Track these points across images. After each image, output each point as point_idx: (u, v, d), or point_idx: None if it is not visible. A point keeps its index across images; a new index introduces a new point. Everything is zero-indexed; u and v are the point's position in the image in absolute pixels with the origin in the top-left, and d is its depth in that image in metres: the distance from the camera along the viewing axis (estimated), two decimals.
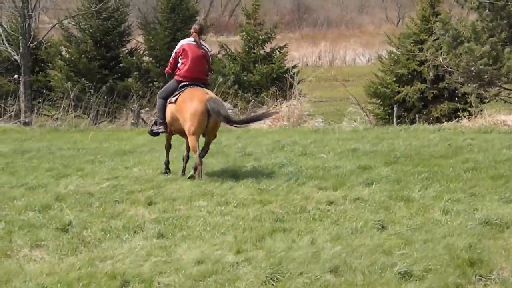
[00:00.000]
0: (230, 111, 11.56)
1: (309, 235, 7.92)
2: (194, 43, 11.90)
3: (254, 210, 9.14)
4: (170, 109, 11.71)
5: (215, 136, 11.86)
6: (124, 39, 25.50)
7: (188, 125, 11.25)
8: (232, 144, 15.34)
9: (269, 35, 24.01)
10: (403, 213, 8.76)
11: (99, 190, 10.61)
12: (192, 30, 12.17)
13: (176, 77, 11.92)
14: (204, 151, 11.54)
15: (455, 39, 19.58)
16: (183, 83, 11.75)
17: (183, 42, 12.05)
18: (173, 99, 11.64)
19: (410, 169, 11.41)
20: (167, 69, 12.25)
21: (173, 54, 12.02)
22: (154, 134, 12.40)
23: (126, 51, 25.31)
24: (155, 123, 12.28)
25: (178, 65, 11.92)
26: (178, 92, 11.68)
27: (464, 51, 19.05)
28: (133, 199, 9.96)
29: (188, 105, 11.30)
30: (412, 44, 22.50)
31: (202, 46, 11.97)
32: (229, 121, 11.44)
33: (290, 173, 11.41)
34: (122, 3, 25.70)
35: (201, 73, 11.93)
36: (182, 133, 11.70)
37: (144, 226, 8.58)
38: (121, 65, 24.57)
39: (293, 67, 24.31)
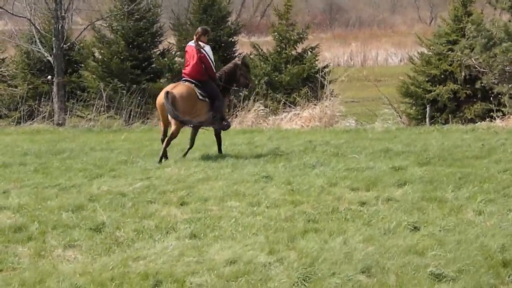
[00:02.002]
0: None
1: (341, 235, 7.90)
2: (194, 45, 13.60)
3: (286, 210, 9.13)
4: None
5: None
6: (156, 40, 25.58)
7: None
8: (264, 144, 15.34)
9: (301, 36, 23.96)
10: (436, 214, 8.71)
11: (131, 190, 10.65)
12: (195, 33, 13.84)
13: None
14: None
15: (489, 41, 19.44)
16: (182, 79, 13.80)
17: (188, 44, 13.99)
18: None
19: (443, 170, 11.33)
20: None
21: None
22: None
23: (158, 52, 25.39)
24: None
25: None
26: None
27: (501, 51, 18.90)
28: (166, 199, 9.99)
29: None
30: (444, 45, 22.35)
31: (200, 49, 13.48)
32: (172, 116, 13.02)
33: (322, 174, 11.38)
34: (154, 4, 25.78)
35: (196, 72, 13.57)
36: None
37: (176, 226, 8.61)
38: (153, 66, 24.66)
39: (325, 67, 24.23)
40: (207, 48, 13.68)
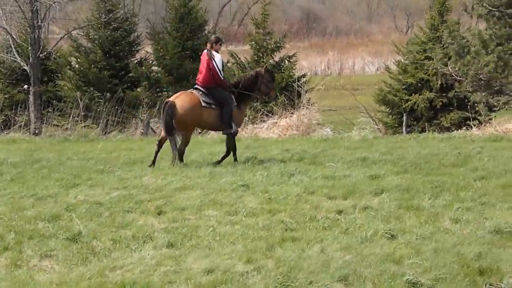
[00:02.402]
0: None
1: (319, 244, 7.91)
2: (207, 53, 13.81)
3: (264, 219, 9.13)
4: None
5: (184, 137, 13.65)
6: (133, 49, 25.57)
7: None
8: (242, 153, 15.33)
9: (278, 44, 24.05)
10: (413, 222, 8.74)
11: (108, 200, 10.59)
12: (209, 41, 14.23)
13: None
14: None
15: (463, 48, 19.58)
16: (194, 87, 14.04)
17: (203, 52, 14.11)
18: None
19: (420, 178, 11.38)
20: None
21: None
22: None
23: (136, 61, 25.37)
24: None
25: None
26: None
27: (472, 57, 19.06)
28: (143, 208, 9.95)
29: None
30: (420, 53, 22.49)
31: (211, 57, 13.66)
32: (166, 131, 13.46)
33: (299, 182, 11.40)
34: (131, 14, 25.78)
35: (205, 79, 13.77)
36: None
37: (153, 235, 8.58)
38: (130, 75, 24.63)
39: (302, 76, 24.30)
40: (218, 58, 13.78)
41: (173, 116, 13.22)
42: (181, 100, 13.49)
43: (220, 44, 14.17)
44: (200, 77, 13.88)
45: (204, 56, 13.89)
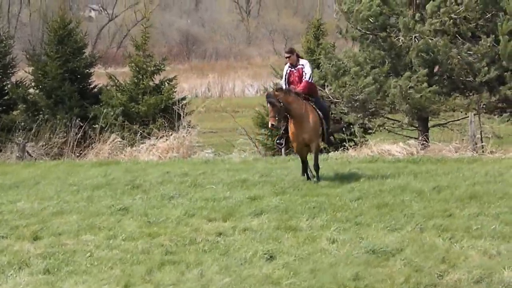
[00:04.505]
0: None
1: (199, 267, 7.92)
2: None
3: (143, 243, 9.07)
4: None
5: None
6: (8, 71, 24.92)
7: None
8: (121, 176, 15.16)
9: (158, 67, 23.93)
10: (291, 243, 8.86)
11: None
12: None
13: None
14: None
15: (339, 69, 20.05)
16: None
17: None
18: None
19: (298, 199, 11.54)
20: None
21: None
22: None
23: (11, 83, 24.73)
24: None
25: None
26: None
27: (350, 78, 19.53)
28: (18, 234, 9.72)
29: None
30: None
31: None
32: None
33: (179, 205, 11.36)
34: (6, 36, 25.17)
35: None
36: None
37: (29, 261, 8.40)
38: (6, 97, 23.98)
39: (182, 98, 24.27)
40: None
41: None
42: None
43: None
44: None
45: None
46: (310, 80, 13.43)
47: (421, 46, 18.67)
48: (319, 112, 13.19)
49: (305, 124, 12.94)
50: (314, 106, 13.19)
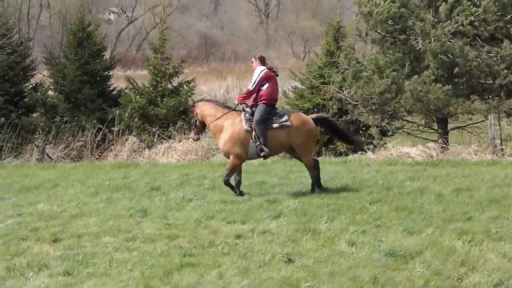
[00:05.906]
0: None
1: (217, 269, 7.92)
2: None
3: (162, 245, 9.09)
4: None
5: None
6: (28, 74, 25.06)
7: None
8: (140, 178, 15.22)
9: (177, 69, 23.98)
10: (310, 246, 8.84)
11: (3, 227, 10.37)
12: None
13: None
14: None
15: (358, 72, 20.01)
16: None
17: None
18: None
19: (317, 201, 11.53)
20: None
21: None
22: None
23: (31, 86, 24.87)
24: None
25: None
26: None
27: (365, 82, 19.49)
28: (38, 236, 9.77)
29: None
30: (316, 78, 22.84)
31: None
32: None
33: (198, 207, 11.39)
34: (25, 38, 25.29)
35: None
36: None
37: (49, 263, 8.43)
38: (25, 100, 24.11)
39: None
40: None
41: None
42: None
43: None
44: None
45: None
46: (251, 89, 13.26)
47: (438, 49, 18.56)
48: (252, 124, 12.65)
49: (218, 136, 12.76)
50: (248, 117, 12.77)
